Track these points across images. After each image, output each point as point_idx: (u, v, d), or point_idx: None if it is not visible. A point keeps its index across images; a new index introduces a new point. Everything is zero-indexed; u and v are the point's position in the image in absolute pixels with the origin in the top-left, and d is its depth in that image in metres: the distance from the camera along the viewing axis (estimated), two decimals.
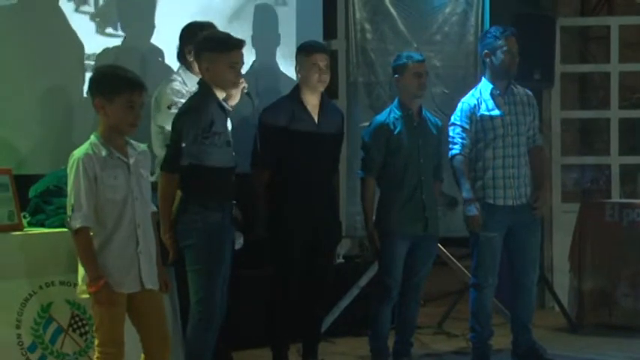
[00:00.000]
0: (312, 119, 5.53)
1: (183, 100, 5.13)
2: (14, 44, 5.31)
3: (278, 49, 6.49)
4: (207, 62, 4.83)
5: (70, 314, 4.72)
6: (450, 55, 6.90)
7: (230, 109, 4.95)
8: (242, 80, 4.97)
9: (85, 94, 5.17)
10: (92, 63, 5.54)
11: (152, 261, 4.33)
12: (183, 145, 4.71)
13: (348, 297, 6.56)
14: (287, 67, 6.39)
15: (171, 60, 5.69)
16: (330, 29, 6.88)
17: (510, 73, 5.78)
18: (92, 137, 4.24)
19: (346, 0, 6.81)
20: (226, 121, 4.94)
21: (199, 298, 4.77)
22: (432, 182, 5.74)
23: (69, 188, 4.18)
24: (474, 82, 6.14)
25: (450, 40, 6.90)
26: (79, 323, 4.74)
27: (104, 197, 4.17)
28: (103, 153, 4.19)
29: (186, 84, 5.36)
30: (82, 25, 5.57)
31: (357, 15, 6.78)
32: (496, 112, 5.74)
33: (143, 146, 4.42)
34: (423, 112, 5.78)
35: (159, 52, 5.88)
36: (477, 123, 5.73)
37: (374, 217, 5.66)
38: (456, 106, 5.85)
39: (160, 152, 5.20)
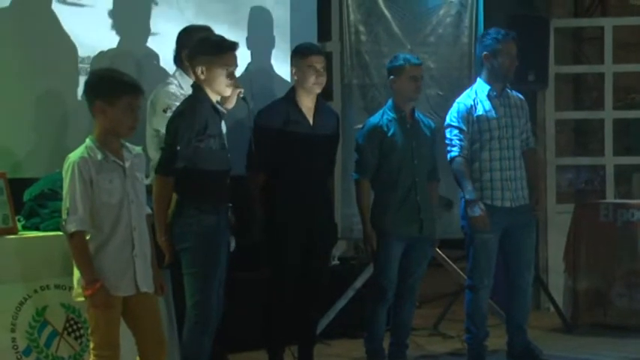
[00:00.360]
0: (307, 121, 5.52)
1: (178, 104, 5.13)
2: (8, 48, 5.29)
3: (273, 51, 6.49)
4: (201, 65, 4.82)
5: (65, 318, 4.71)
6: (445, 57, 6.88)
7: (224, 111, 4.94)
8: (238, 85, 4.96)
9: (79, 98, 5.16)
10: (87, 66, 5.52)
11: (147, 264, 4.33)
12: (178, 148, 4.70)
13: (343, 299, 6.55)
14: (281, 69, 6.40)
15: (167, 63, 5.68)
16: (324, 31, 6.87)
17: (508, 76, 5.80)
18: (87, 140, 4.24)
19: (340, 2, 6.80)
20: (220, 123, 4.93)
21: (195, 301, 4.76)
22: (426, 184, 5.74)
23: (64, 192, 4.18)
24: (468, 84, 6.14)
25: (445, 41, 6.89)
26: (74, 327, 4.73)
27: (100, 201, 4.16)
28: (99, 156, 4.19)
29: (182, 87, 5.34)
30: (77, 29, 5.55)
31: (352, 17, 6.77)
32: (493, 113, 5.74)
33: (138, 149, 4.42)
34: (416, 114, 5.78)
35: (154, 56, 5.87)
36: (474, 124, 5.72)
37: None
38: (450, 107, 5.85)
39: (155, 155, 5.18)
